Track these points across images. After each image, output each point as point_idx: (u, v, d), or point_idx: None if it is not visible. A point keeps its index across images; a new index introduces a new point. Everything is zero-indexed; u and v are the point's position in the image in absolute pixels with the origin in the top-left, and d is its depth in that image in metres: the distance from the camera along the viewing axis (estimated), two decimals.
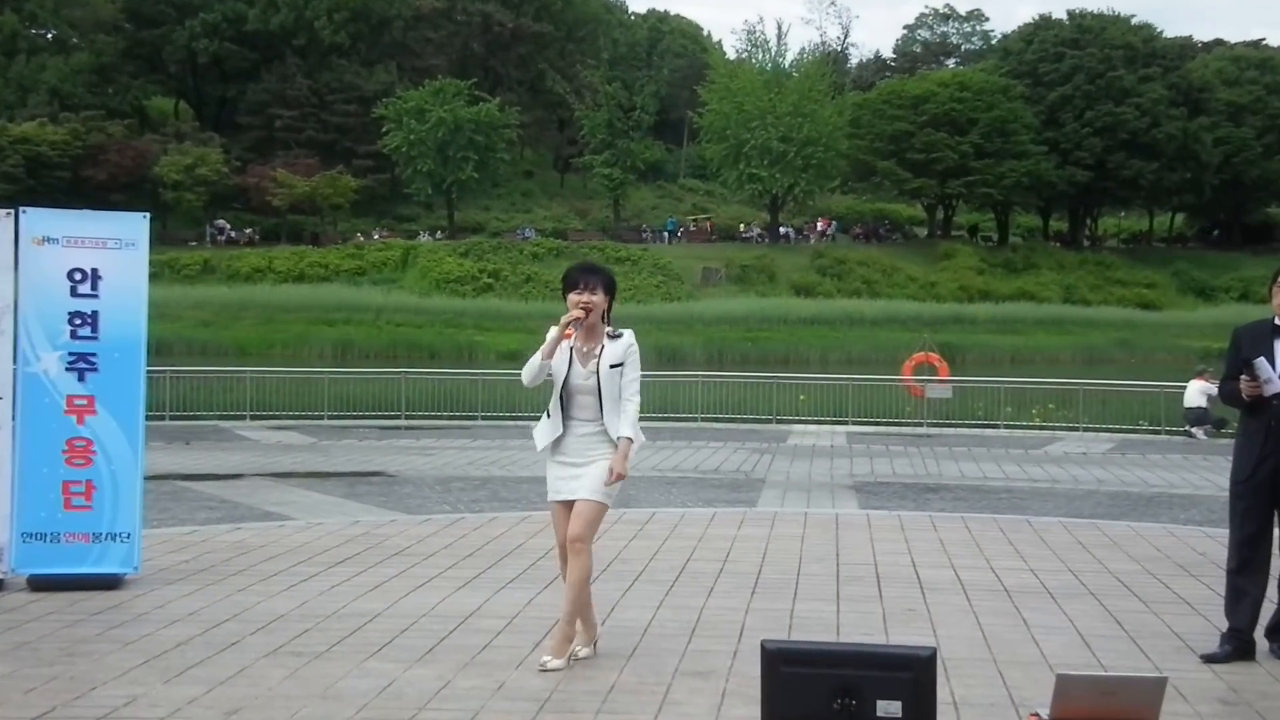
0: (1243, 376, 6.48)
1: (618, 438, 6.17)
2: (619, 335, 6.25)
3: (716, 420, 22.91)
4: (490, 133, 75.41)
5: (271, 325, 56.33)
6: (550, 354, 6.15)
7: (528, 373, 6.18)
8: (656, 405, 23.81)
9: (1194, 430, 22.14)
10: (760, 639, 4.47)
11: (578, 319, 6.11)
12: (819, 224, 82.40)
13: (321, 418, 22.73)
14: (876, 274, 71.60)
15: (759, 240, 78.16)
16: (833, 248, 75.58)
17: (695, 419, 23.49)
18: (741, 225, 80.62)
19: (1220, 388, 6.87)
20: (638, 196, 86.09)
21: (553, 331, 6.18)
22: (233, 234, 73.98)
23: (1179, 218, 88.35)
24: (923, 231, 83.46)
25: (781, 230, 78.74)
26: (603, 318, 6.26)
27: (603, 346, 6.20)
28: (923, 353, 28.77)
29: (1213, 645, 6.73)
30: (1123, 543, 10.26)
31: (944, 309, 64.07)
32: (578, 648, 6.35)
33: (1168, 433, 22.47)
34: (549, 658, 6.21)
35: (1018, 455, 18.88)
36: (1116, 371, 43.63)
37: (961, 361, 51.65)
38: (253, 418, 22.48)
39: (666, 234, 78.81)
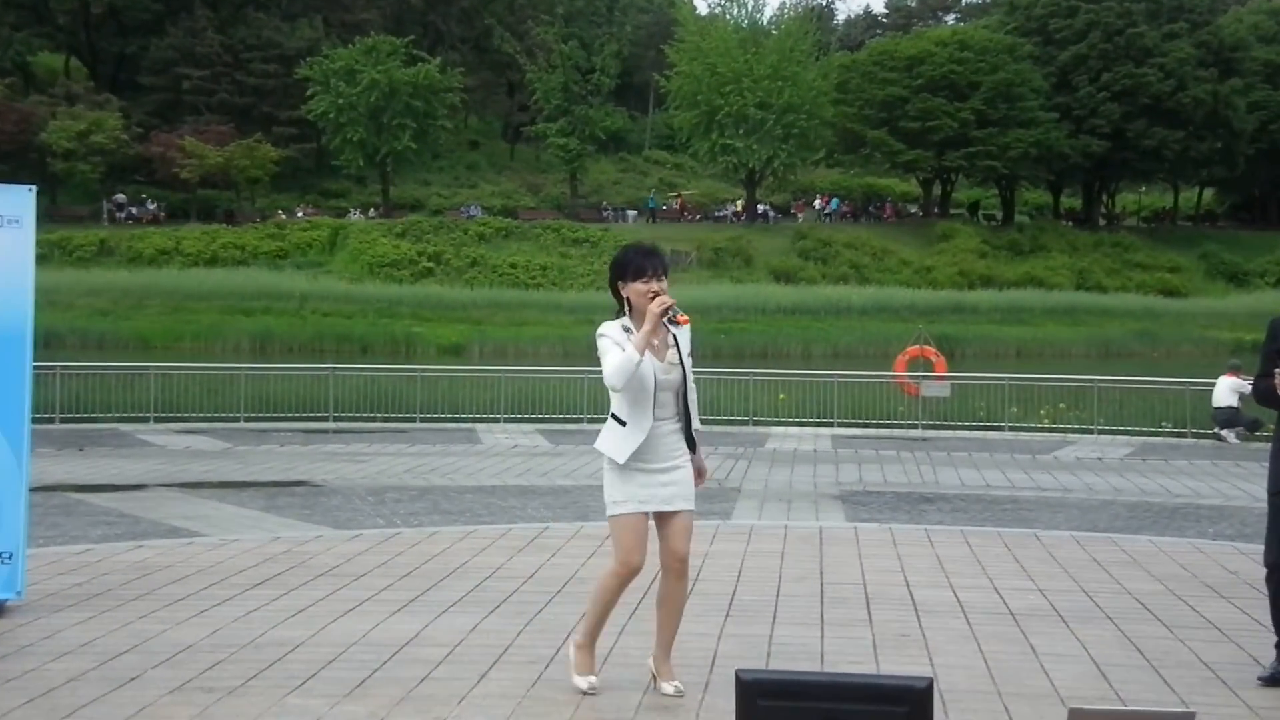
0: (1278, 370, 6.50)
1: (696, 430, 6.29)
2: (672, 320, 6.20)
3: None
4: (430, 97, 75.21)
5: (179, 315, 56.03)
6: (646, 348, 6.05)
7: (621, 374, 5.98)
8: None
9: (1224, 433, 22.33)
10: (735, 668, 4.45)
11: (672, 307, 6.06)
12: (817, 201, 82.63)
13: (237, 420, 22.64)
14: (865, 257, 71.91)
15: (734, 220, 78.33)
16: (817, 228, 75.90)
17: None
18: (734, 203, 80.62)
19: (1254, 385, 6.90)
20: (597, 170, 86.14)
21: (615, 331, 6.07)
22: (134, 211, 73.48)
23: (1208, 193, 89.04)
24: (918, 210, 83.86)
25: (760, 209, 78.92)
26: None
27: (673, 336, 6.22)
28: (917, 346, 28.94)
29: (1247, 676, 6.77)
30: (1143, 560, 10.33)
31: (941, 297, 64.42)
32: (589, 679, 6.42)
33: (1194, 435, 22.65)
34: (673, 683, 6.30)
35: (1024, 461, 18.98)
36: (1136, 367, 43.99)
37: (961, 356, 51.98)
38: (157, 420, 22.35)
39: (649, 211, 78.77)
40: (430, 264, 66.79)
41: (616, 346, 6.04)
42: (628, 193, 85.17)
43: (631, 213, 79.12)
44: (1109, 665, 7.07)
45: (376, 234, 68.93)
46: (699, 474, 6.31)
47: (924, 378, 24.80)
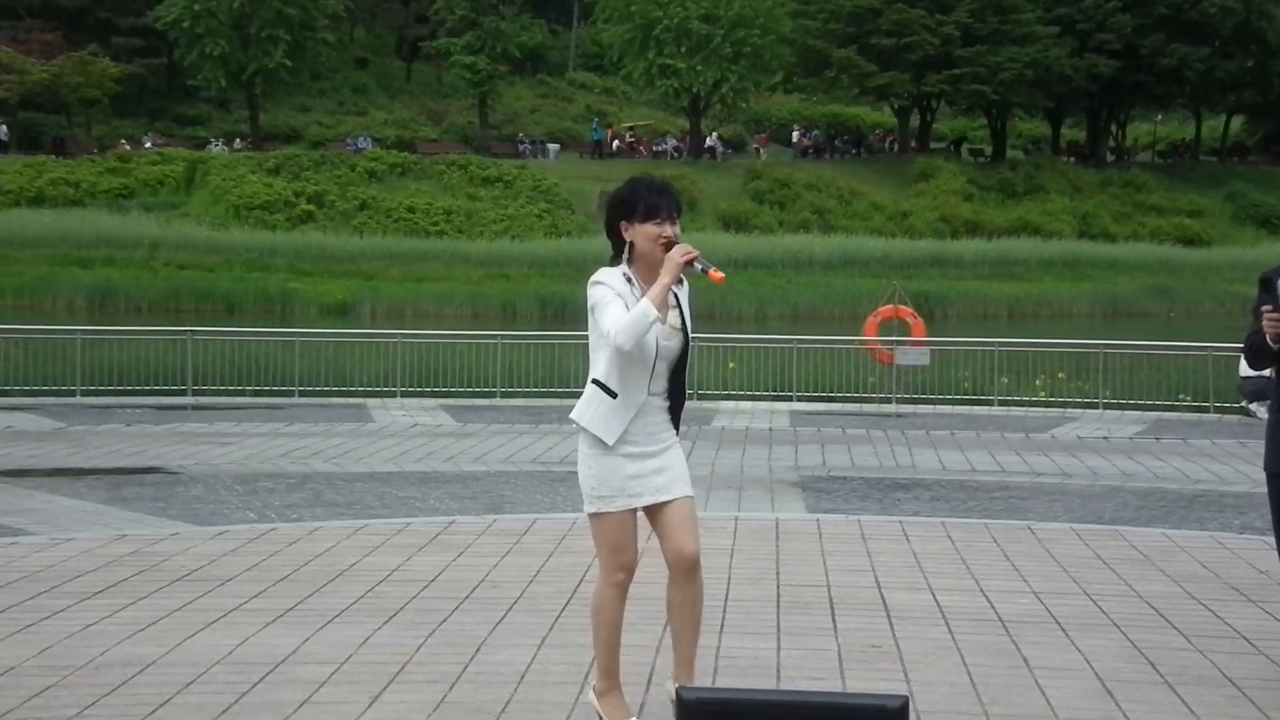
0: (1264, 308, 6.61)
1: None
2: (714, 277, 6.06)
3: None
4: (308, 4, 74.54)
5: None
6: (665, 304, 5.91)
7: (632, 333, 5.83)
8: (540, 376, 23.79)
9: (1253, 407, 22.55)
10: (676, 686, 4.46)
11: (696, 256, 5.91)
12: (794, 133, 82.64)
13: (74, 394, 22.45)
14: (830, 201, 72.21)
15: (674, 156, 78.31)
16: (774, 166, 76.14)
17: None
18: (673, 137, 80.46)
19: (1246, 345, 7.01)
20: (512, 95, 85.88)
21: (616, 281, 5.96)
22: None
23: (1236, 121, 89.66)
24: (893, 144, 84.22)
25: (707, 143, 78.95)
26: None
27: (675, 295, 6.10)
28: (891, 306, 29.04)
29: (1278, 693, 6.85)
30: (1157, 557, 10.44)
31: (920, 247, 64.85)
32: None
33: (1218, 410, 22.93)
34: None
35: (1016, 441, 19.13)
36: (1149, 329, 44.50)
37: (942, 317, 52.36)
38: None
39: (595, 145, 78.47)
40: (310, 207, 66.38)
41: (619, 299, 5.91)
42: (548, 122, 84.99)
43: (553, 146, 78.96)
44: (1115, 681, 7.14)
45: (244, 170, 68.37)
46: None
47: (899, 343, 24.89)
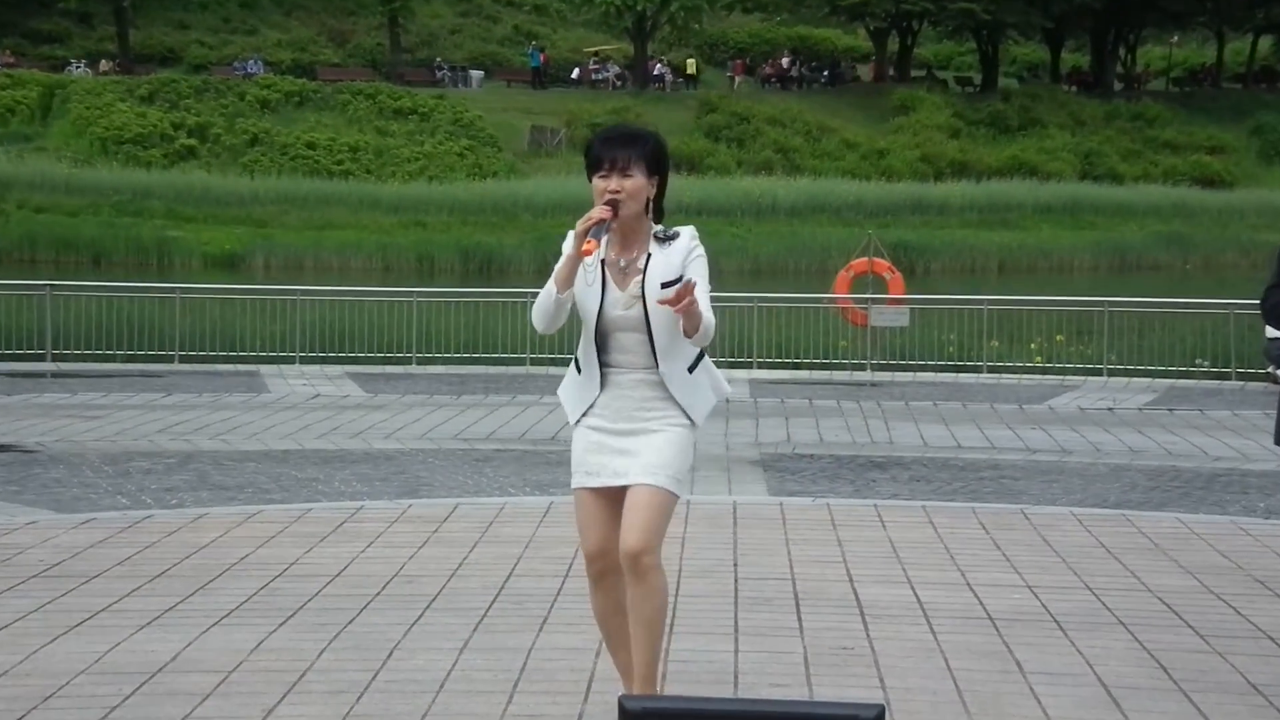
0: None
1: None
2: (672, 236, 6.26)
3: (554, 363, 22.89)
4: None
5: None
6: (567, 280, 6.12)
7: (539, 313, 6.23)
8: (465, 341, 23.73)
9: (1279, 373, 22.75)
10: (618, 695, 4.45)
11: (601, 221, 6.07)
12: (769, 63, 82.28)
13: None
14: (796, 138, 72.29)
15: (616, 85, 78.13)
16: (731, 99, 75.95)
17: (523, 360, 23.42)
18: (613, 63, 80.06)
19: (1265, 304, 7.06)
20: (428, 13, 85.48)
21: (568, 244, 6.15)
22: None
23: (1264, 42, 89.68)
24: (868, 73, 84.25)
25: (656, 70, 78.77)
26: (646, 210, 6.25)
27: (648, 256, 6.22)
28: (865, 259, 29.08)
29: None
30: (1169, 545, 10.50)
31: (899, 191, 65.03)
32: None
33: (1240, 376, 23.11)
34: None
35: (1008, 413, 19.23)
36: (1161, 283, 44.83)
37: (924, 272, 52.51)
38: None
39: (533, 73, 78.01)
40: (191, 141, 65.97)
41: (565, 262, 6.15)
42: (471, 45, 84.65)
43: (476, 73, 78.55)
44: (1122, 688, 7.17)
45: (111, 97, 67.81)
46: (679, 296, 5.98)
47: (874, 301, 24.95)
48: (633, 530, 6.18)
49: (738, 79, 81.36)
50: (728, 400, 20.19)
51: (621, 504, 6.24)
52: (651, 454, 6.22)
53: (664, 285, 6.12)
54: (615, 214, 6.11)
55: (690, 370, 6.30)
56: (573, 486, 6.39)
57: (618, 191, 6.12)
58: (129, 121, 65.99)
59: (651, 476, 6.21)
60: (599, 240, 6.08)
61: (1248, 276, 44.27)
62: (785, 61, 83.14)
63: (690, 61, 79.84)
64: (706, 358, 6.39)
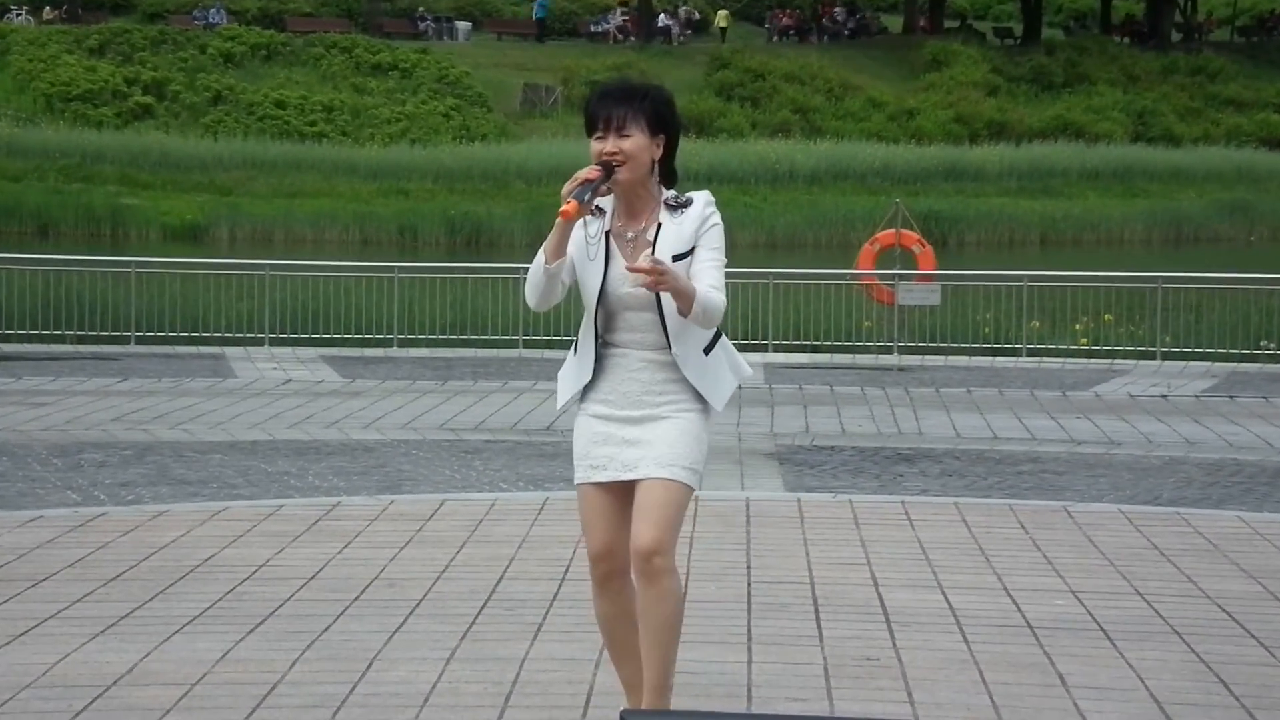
0: None
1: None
2: (684, 203, 6.25)
3: (549, 345, 22.92)
4: None
5: None
6: (557, 249, 6.12)
7: (530, 287, 6.27)
8: (451, 321, 23.71)
9: None
10: (620, 709, 4.49)
11: (589, 181, 6.08)
12: (784, 13, 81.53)
13: None
14: (817, 97, 72.09)
15: (618, 39, 78.00)
16: (745, 53, 75.70)
17: (515, 343, 23.44)
18: (616, 14, 79.89)
19: None
20: None
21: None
22: None
23: None
24: (897, 24, 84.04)
25: (662, 22, 78.60)
26: (652, 172, 6.26)
27: (659, 225, 6.22)
28: (893, 230, 29.09)
29: None
30: (1230, 547, 10.51)
31: (930, 155, 64.81)
32: None
33: None
34: None
35: (1050, 401, 19.24)
36: (1222, 257, 44.67)
37: (958, 245, 52.44)
38: None
39: (538, 24, 77.72)
40: (147, 99, 65.79)
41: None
42: None
43: (463, 25, 78.31)
44: (1176, 704, 7.19)
45: (56, 48, 67.58)
46: (653, 281, 6.02)
47: (902, 278, 24.96)
48: (646, 529, 6.18)
49: (774, 32, 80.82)
50: (740, 386, 20.14)
51: (630, 499, 6.23)
52: (664, 444, 6.23)
53: (675, 259, 6.12)
54: (609, 175, 6.13)
55: (706, 351, 6.28)
56: (576, 481, 6.36)
57: (614, 154, 6.13)
58: (77, 76, 65.74)
59: (665, 469, 6.22)
60: (582, 202, 6.06)
61: None
62: (840, 13, 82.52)
63: (722, 14, 79.49)
64: (724, 337, 6.39)
